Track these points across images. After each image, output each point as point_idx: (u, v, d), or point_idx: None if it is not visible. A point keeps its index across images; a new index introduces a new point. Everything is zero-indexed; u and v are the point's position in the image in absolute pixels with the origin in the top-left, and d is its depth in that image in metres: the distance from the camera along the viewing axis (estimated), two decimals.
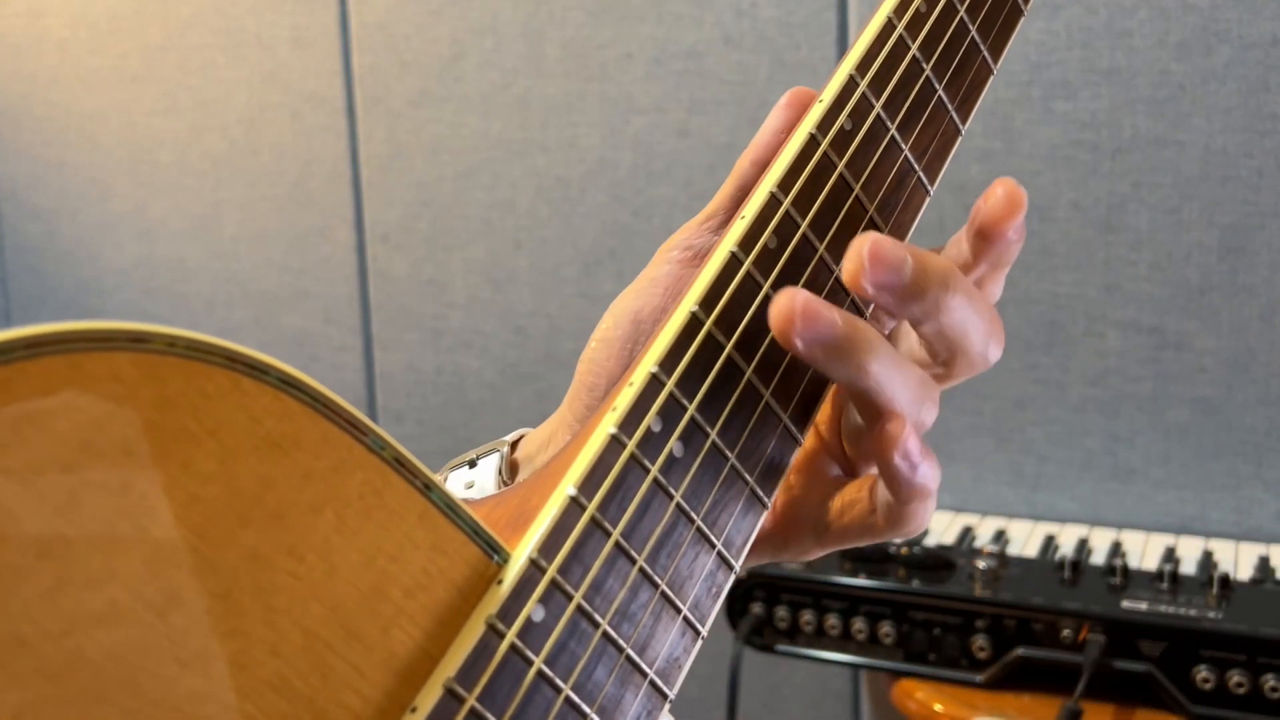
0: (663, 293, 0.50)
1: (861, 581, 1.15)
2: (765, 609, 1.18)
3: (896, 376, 0.43)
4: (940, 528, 1.28)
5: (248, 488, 0.33)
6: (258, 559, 0.33)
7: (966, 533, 1.26)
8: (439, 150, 1.58)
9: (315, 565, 0.34)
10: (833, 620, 1.16)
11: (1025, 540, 1.24)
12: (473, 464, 0.54)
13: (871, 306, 0.47)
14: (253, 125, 1.68)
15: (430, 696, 0.35)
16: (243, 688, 0.32)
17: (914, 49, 0.48)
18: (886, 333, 0.51)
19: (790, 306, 0.41)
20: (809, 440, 0.50)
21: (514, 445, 0.55)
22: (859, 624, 1.15)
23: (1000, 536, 1.25)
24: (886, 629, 1.14)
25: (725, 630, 1.21)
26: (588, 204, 1.50)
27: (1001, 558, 1.17)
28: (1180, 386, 1.26)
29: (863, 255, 0.42)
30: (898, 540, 0.44)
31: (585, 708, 0.38)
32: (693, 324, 0.43)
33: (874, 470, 0.48)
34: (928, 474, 0.44)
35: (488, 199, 1.56)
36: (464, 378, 1.61)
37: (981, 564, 1.13)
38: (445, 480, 0.54)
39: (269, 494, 0.33)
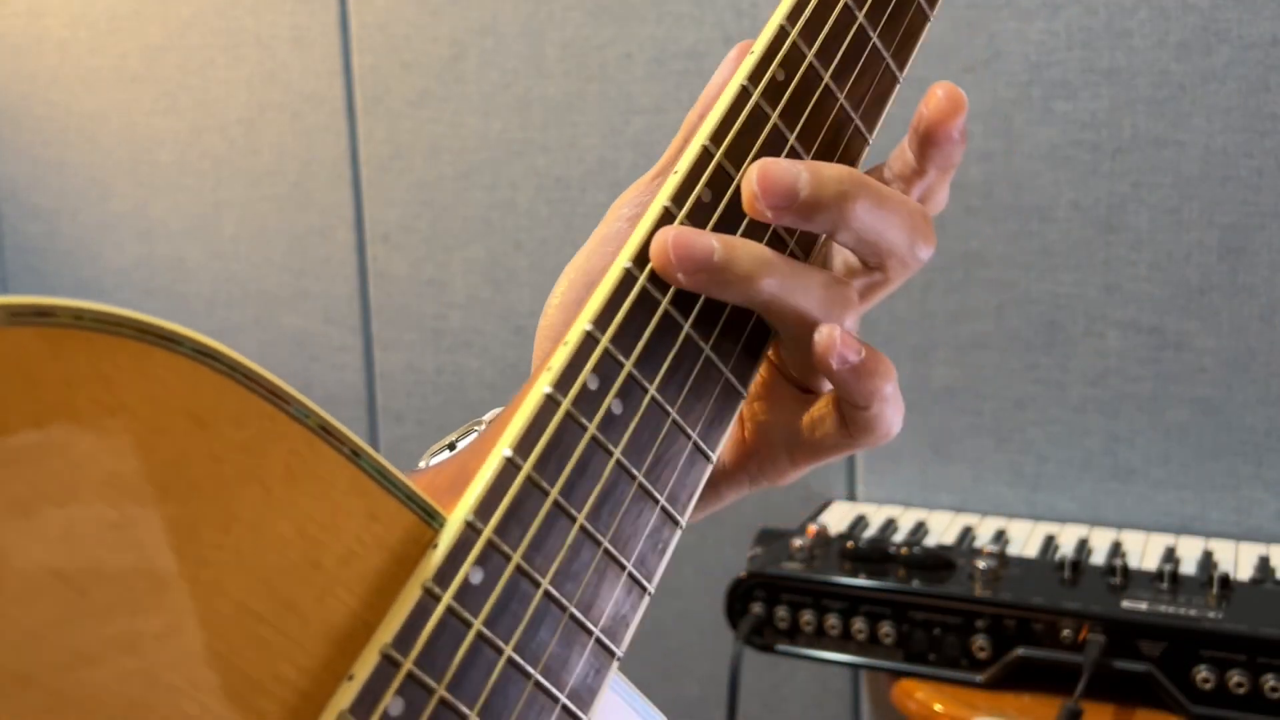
0: (613, 251, 0.50)
1: (861, 581, 1.15)
2: (765, 609, 1.18)
3: (796, 286, 0.43)
4: (940, 528, 1.28)
5: (166, 461, 0.32)
6: (180, 533, 0.32)
7: (966, 533, 1.26)
8: (439, 150, 1.58)
9: (242, 537, 0.33)
10: (833, 620, 1.16)
11: (1025, 540, 1.24)
12: (452, 446, 0.54)
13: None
14: (253, 125, 1.68)
15: (367, 663, 0.35)
16: (172, 662, 0.32)
17: None
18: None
19: (663, 241, 0.42)
20: (764, 368, 0.50)
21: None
22: (859, 624, 1.15)
23: (1000, 536, 1.25)
24: (886, 629, 1.14)
25: (725, 630, 1.21)
26: (588, 204, 1.50)
27: (1001, 558, 1.17)
28: (1180, 386, 1.26)
29: (753, 180, 0.43)
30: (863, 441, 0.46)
31: (529, 668, 0.38)
32: (626, 280, 0.43)
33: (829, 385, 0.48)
34: (873, 368, 0.44)
35: (488, 199, 1.56)
36: (464, 378, 1.61)
37: (981, 564, 1.13)
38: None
39: (189, 467, 0.33)
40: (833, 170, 0.43)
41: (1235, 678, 1.01)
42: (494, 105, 1.53)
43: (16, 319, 0.30)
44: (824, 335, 0.43)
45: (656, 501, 0.43)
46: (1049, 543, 1.22)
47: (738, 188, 0.45)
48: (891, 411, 0.46)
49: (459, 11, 1.53)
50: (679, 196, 0.44)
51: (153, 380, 0.32)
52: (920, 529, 1.27)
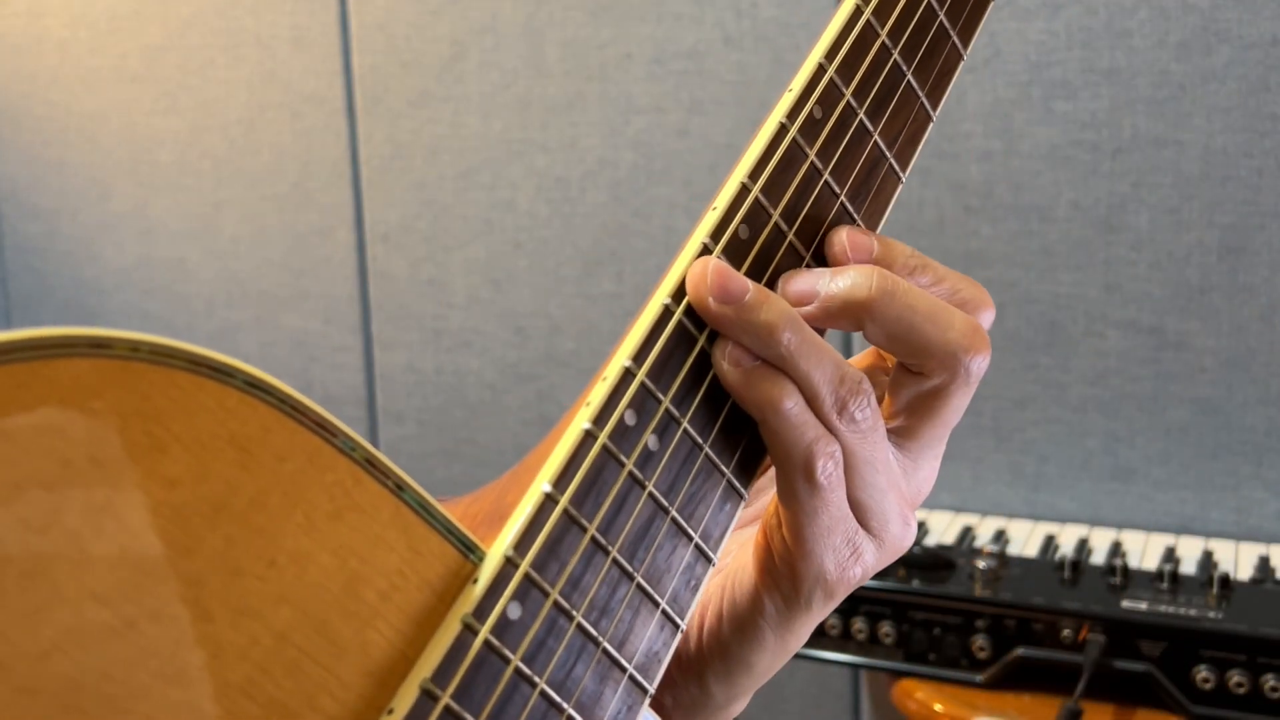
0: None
1: None
2: None
3: (811, 353, 0.43)
4: (940, 528, 1.28)
5: (215, 492, 0.33)
6: (226, 563, 0.33)
7: (966, 533, 1.26)
8: (439, 150, 1.58)
9: (285, 568, 0.34)
10: (833, 620, 1.16)
11: (1025, 540, 1.24)
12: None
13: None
14: (253, 125, 1.68)
15: (407, 698, 0.35)
16: (214, 693, 0.32)
17: (883, 35, 0.48)
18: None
19: (703, 267, 0.42)
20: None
21: None
22: (859, 624, 1.15)
23: (1000, 536, 1.25)
24: (886, 629, 1.14)
25: None
26: (588, 204, 1.50)
27: (1001, 558, 1.17)
28: (1180, 386, 1.26)
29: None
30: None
31: (564, 704, 0.38)
32: (664, 316, 0.43)
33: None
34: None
35: (488, 199, 1.56)
36: (464, 378, 1.61)
37: (981, 564, 1.13)
38: None
39: (236, 497, 0.33)
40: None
41: (1235, 678, 1.01)
42: (494, 105, 1.53)
43: (72, 350, 0.31)
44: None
45: (691, 538, 0.43)
46: (1049, 543, 1.22)
47: (774, 225, 0.45)
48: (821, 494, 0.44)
49: (459, 11, 1.53)
50: (716, 232, 0.44)
51: (204, 412, 0.33)
52: (920, 529, 1.27)
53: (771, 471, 0.46)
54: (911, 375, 0.46)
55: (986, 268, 1.31)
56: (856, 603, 1.15)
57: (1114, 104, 1.25)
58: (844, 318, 0.44)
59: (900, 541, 0.46)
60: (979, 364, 0.46)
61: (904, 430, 0.47)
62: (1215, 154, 1.22)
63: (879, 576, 1.15)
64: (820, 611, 0.46)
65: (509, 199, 1.55)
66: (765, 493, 0.50)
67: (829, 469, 0.43)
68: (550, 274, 1.53)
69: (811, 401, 0.43)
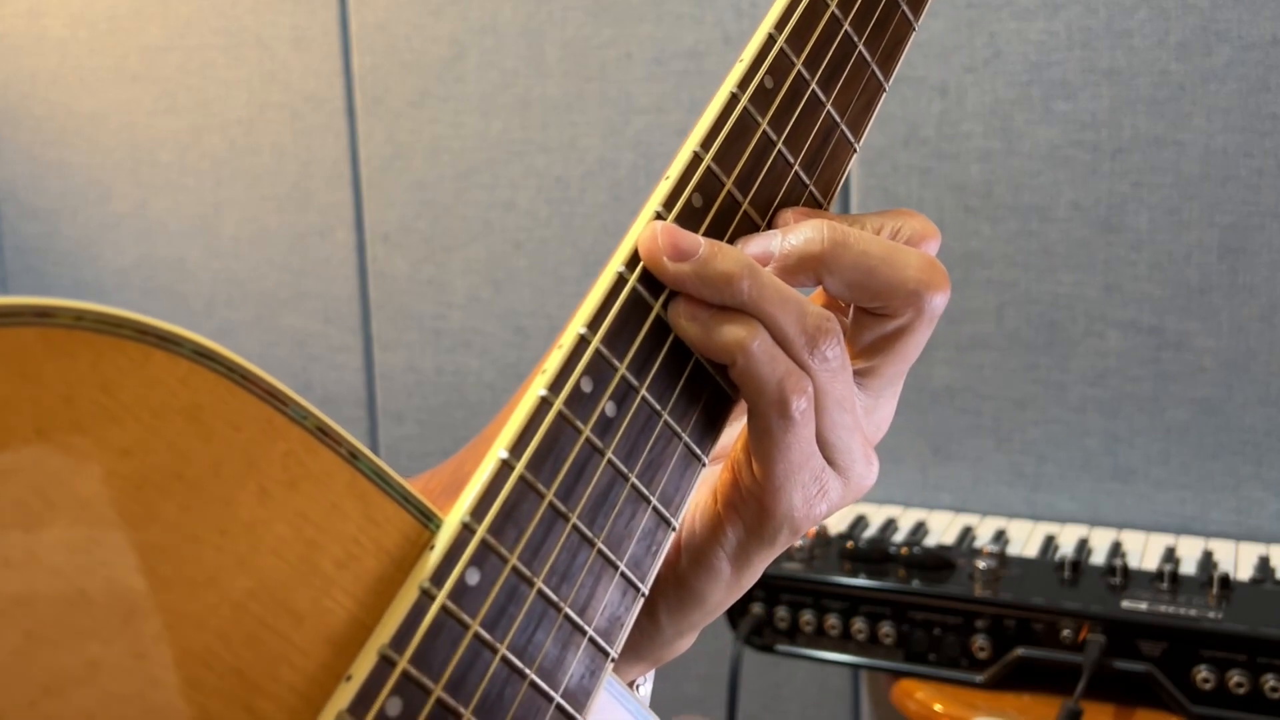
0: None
1: (861, 581, 1.15)
2: (765, 609, 1.18)
3: (774, 296, 0.43)
4: (940, 528, 1.28)
5: (165, 461, 0.32)
6: (181, 532, 0.33)
7: (966, 533, 1.26)
8: (439, 150, 1.57)
9: (239, 537, 0.33)
10: (833, 620, 1.16)
11: (1025, 540, 1.24)
12: None
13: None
14: (253, 125, 1.68)
15: (365, 664, 0.35)
16: (172, 662, 0.32)
17: (832, 6, 0.49)
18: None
19: (652, 231, 0.43)
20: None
21: None
22: (859, 624, 1.15)
23: (1000, 536, 1.25)
24: (886, 629, 1.14)
25: (725, 630, 1.21)
26: (588, 204, 1.50)
27: (1001, 558, 1.17)
28: (1180, 386, 1.26)
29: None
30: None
31: (525, 669, 0.38)
32: (618, 283, 0.43)
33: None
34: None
35: (488, 199, 1.56)
36: (464, 378, 1.61)
37: (981, 564, 1.13)
38: None
39: (188, 467, 0.33)
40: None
41: (1235, 678, 1.01)
42: (494, 105, 1.53)
43: (16, 319, 0.30)
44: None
45: (649, 503, 0.43)
46: (1049, 543, 1.22)
47: (728, 194, 0.46)
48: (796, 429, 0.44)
49: (459, 11, 1.53)
50: (669, 200, 0.44)
51: (153, 382, 0.32)
52: (920, 529, 1.27)
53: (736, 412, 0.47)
54: (874, 317, 0.47)
55: (986, 268, 1.31)
56: (856, 603, 1.15)
57: (1114, 104, 1.25)
58: (801, 272, 0.45)
59: (864, 480, 0.47)
60: (939, 301, 0.46)
61: (867, 370, 0.48)
62: (1215, 154, 1.22)
63: (879, 577, 1.15)
64: (780, 547, 0.47)
65: (509, 199, 1.55)
66: (730, 429, 0.51)
67: (802, 405, 0.43)
68: (550, 274, 1.53)
69: (781, 343, 0.44)
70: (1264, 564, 1.14)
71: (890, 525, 1.29)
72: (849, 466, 0.46)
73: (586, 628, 0.40)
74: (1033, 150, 1.29)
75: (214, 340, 0.34)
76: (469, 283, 1.59)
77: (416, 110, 1.58)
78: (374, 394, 1.67)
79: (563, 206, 1.52)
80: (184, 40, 1.71)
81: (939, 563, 1.16)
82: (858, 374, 0.48)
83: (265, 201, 1.69)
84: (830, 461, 0.46)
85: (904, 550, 1.18)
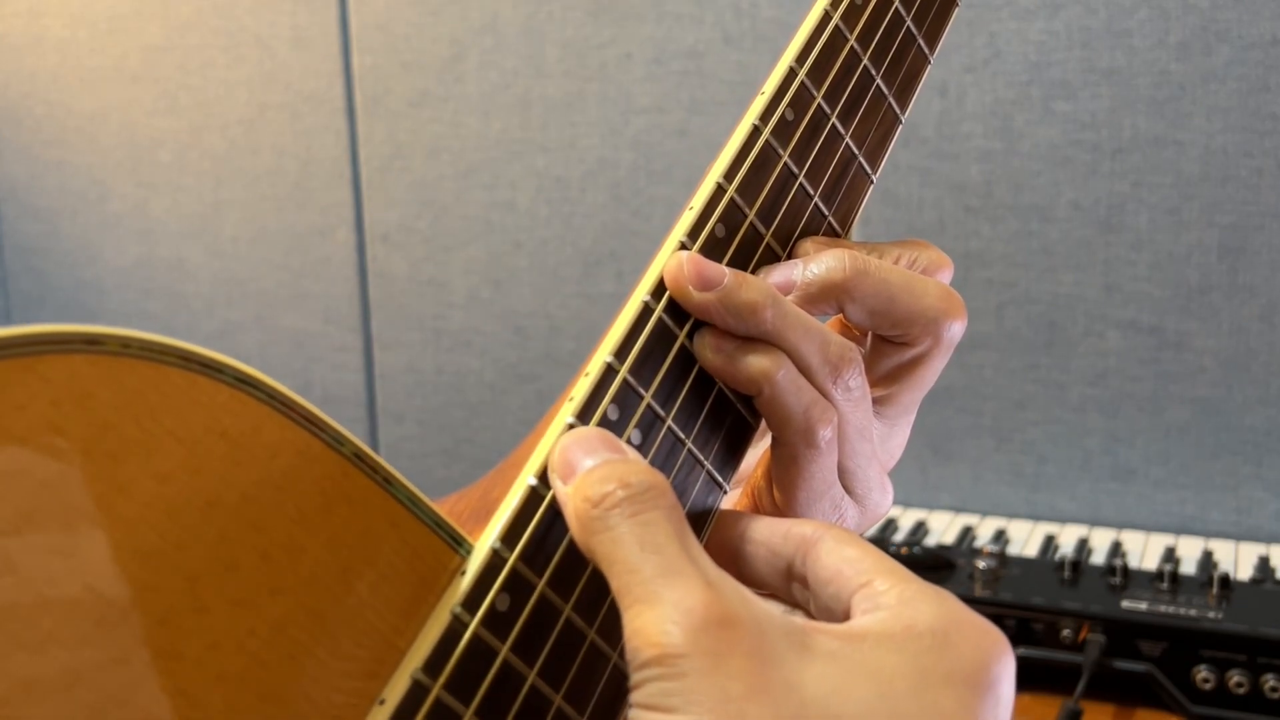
0: None
1: None
2: None
3: (797, 326, 0.44)
4: (940, 528, 1.28)
5: (207, 486, 0.33)
6: (220, 556, 0.33)
7: (966, 533, 1.26)
8: (439, 150, 1.58)
9: (278, 560, 0.34)
10: None
11: (1025, 540, 1.24)
12: None
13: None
14: (253, 125, 1.68)
15: (398, 688, 0.35)
16: (211, 680, 0.32)
17: (851, 40, 0.49)
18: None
19: (678, 261, 0.43)
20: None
21: None
22: None
23: (1000, 536, 1.25)
24: None
25: None
26: (588, 204, 1.50)
27: (1001, 558, 1.17)
28: (1180, 386, 1.26)
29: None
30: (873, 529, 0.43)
31: (553, 695, 0.39)
32: (644, 313, 0.44)
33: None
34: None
35: (488, 199, 1.56)
36: (464, 378, 1.61)
37: (981, 564, 1.13)
38: None
39: (228, 491, 0.33)
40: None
41: (1235, 678, 1.01)
42: (494, 105, 1.53)
43: (67, 346, 0.31)
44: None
45: None
46: (1049, 543, 1.22)
47: (751, 225, 0.46)
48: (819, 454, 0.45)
49: (459, 11, 1.53)
50: (694, 231, 0.45)
51: (196, 407, 0.33)
52: (920, 529, 1.27)
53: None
54: (893, 346, 0.48)
55: (986, 268, 1.31)
56: None
57: (1114, 104, 1.25)
58: (824, 301, 0.45)
59: (879, 508, 0.48)
60: (957, 329, 0.47)
61: (884, 398, 0.49)
62: (1215, 154, 1.22)
63: None
64: None
65: (509, 199, 1.55)
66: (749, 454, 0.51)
67: (827, 434, 0.44)
68: (550, 274, 1.53)
69: (805, 372, 0.44)
70: (1264, 564, 1.14)
71: (890, 525, 1.29)
72: (866, 495, 0.47)
73: (611, 654, 0.41)
74: (1033, 150, 1.29)
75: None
76: (469, 283, 1.59)
77: (416, 110, 1.58)
78: (374, 394, 1.67)
79: (563, 206, 1.52)
80: (184, 40, 1.71)
81: (939, 562, 1.16)
82: (875, 402, 0.48)
83: (265, 201, 1.69)
84: (848, 489, 0.47)
85: (904, 550, 1.18)
